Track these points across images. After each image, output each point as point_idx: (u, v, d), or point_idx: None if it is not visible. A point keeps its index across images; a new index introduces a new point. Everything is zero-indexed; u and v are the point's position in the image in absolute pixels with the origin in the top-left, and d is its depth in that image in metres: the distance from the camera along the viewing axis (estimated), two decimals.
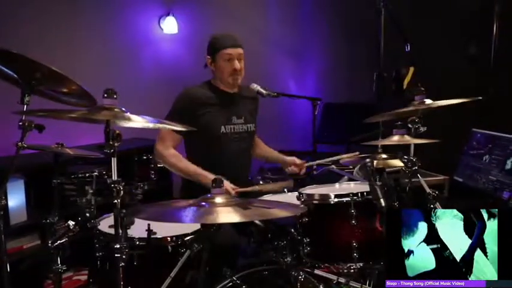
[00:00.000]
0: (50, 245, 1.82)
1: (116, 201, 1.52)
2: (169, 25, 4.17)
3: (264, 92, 2.65)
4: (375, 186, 1.62)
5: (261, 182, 3.44)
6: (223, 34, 2.57)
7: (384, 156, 2.38)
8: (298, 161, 2.73)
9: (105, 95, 1.47)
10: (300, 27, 5.17)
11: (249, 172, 2.81)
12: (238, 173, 2.53)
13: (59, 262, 1.90)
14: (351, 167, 3.33)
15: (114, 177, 1.52)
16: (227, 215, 1.46)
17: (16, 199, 2.82)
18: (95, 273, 1.98)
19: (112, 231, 1.87)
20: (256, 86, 2.66)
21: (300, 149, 4.00)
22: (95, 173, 2.85)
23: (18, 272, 2.66)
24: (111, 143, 1.48)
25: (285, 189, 2.58)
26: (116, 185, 1.52)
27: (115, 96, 1.48)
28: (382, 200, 1.61)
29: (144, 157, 3.60)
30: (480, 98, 1.98)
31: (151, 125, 1.66)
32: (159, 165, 3.24)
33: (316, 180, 2.96)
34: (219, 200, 1.55)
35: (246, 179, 2.67)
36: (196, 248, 1.59)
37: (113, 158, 1.52)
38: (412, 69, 3.86)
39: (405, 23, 3.67)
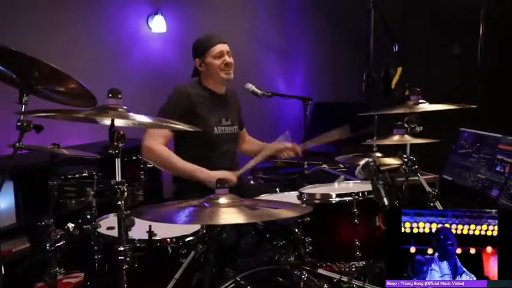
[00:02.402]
0: (48, 248, 1.79)
1: (119, 202, 1.50)
2: (158, 24, 4.13)
3: (259, 92, 2.66)
4: (378, 185, 1.64)
5: (252, 182, 3.45)
6: (206, 35, 2.62)
7: (379, 155, 2.43)
8: (288, 144, 2.69)
9: (110, 95, 1.44)
10: (288, 27, 5.19)
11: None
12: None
13: (55, 265, 1.88)
14: (342, 166, 3.36)
15: (118, 178, 1.50)
16: (232, 216, 1.45)
17: (5, 201, 2.75)
18: (93, 275, 1.95)
19: (111, 233, 1.88)
20: (251, 86, 2.67)
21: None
22: (85, 174, 2.82)
23: (10, 274, 2.60)
24: (115, 143, 1.45)
25: (277, 189, 2.60)
26: (120, 186, 1.49)
27: (119, 96, 1.45)
28: (385, 199, 1.63)
29: (134, 157, 3.57)
30: (474, 106, 2.02)
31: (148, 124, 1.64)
32: (149, 166, 3.22)
33: (308, 179, 2.96)
34: (223, 200, 1.54)
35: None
36: (201, 249, 1.58)
37: (116, 159, 1.49)
38: (400, 69, 3.92)
39: (393, 24, 3.72)
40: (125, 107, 1.54)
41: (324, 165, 3.36)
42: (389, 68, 3.95)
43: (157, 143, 2.43)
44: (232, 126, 2.63)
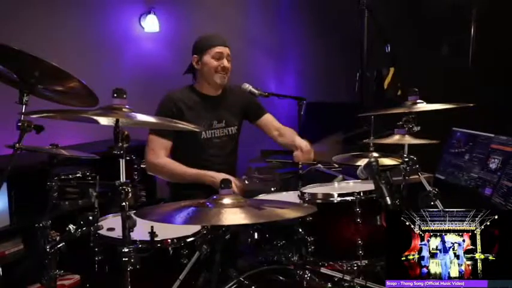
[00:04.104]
0: (48, 250, 1.76)
1: (124, 203, 1.49)
2: (151, 23, 4.11)
3: (256, 92, 2.66)
4: (381, 184, 1.64)
5: (246, 182, 3.44)
6: (210, 34, 2.60)
7: (376, 155, 2.45)
8: (304, 147, 2.50)
9: (115, 95, 1.43)
10: (280, 27, 5.20)
11: (235, 174, 2.79)
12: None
13: (55, 267, 1.85)
14: (336, 165, 3.38)
15: (123, 178, 1.49)
16: (238, 217, 1.44)
17: None
18: (92, 277, 1.93)
19: (111, 234, 1.86)
20: (248, 86, 2.66)
21: (285, 148, 4.01)
22: (79, 175, 2.78)
23: (4, 276, 2.56)
24: (120, 144, 1.44)
25: (272, 189, 2.60)
26: (124, 187, 1.48)
27: (124, 96, 1.44)
28: (388, 198, 1.63)
29: (127, 158, 3.55)
30: (472, 104, 2.06)
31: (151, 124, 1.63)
32: (142, 166, 3.20)
33: (303, 179, 2.97)
34: (227, 201, 1.53)
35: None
36: (206, 250, 1.57)
37: (121, 160, 1.48)
38: (392, 69, 3.96)
39: (386, 24, 3.75)
40: (127, 107, 1.54)
41: (319, 165, 3.37)
42: (381, 68, 3.99)
43: (159, 157, 2.44)
44: (226, 128, 2.61)
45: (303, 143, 2.52)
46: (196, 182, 2.41)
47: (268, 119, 2.80)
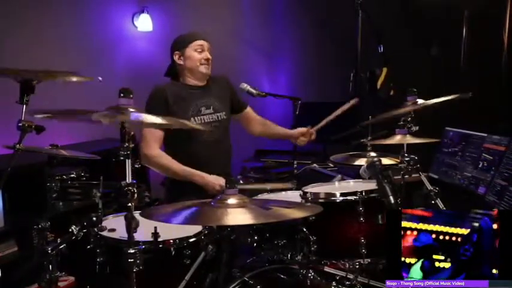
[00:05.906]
0: (49, 251, 1.74)
1: (130, 204, 1.48)
2: (144, 23, 4.08)
3: (254, 91, 2.69)
4: (384, 184, 1.66)
5: (241, 182, 3.44)
6: (189, 31, 2.67)
7: (374, 154, 2.47)
8: (303, 129, 2.79)
9: (121, 95, 1.42)
10: (274, 26, 5.20)
11: (230, 164, 2.79)
12: (215, 163, 2.56)
13: (55, 269, 1.83)
14: (332, 165, 3.40)
15: (128, 179, 1.48)
16: (244, 217, 1.44)
17: None
18: (89, 278, 1.91)
19: (112, 235, 1.85)
20: (246, 86, 2.69)
21: (280, 147, 4.02)
22: (73, 175, 2.76)
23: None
24: (126, 144, 1.44)
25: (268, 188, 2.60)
26: (130, 188, 1.47)
27: (131, 96, 1.43)
28: (391, 197, 1.65)
29: (122, 158, 3.51)
30: (470, 94, 2.08)
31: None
32: (136, 166, 3.17)
33: (298, 179, 2.97)
34: (232, 201, 1.53)
35: (226, 169, 2.66)
36: (211, 250, 1.57)
37: (127, 160, 1.48)
38: (385, 69, 3.99)
39: (379, 25, 3.78)
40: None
41: (315, 165, 3.39)
42: (374, 69, 4.02)
43: (152, 149, 2.48)
44: (215, 113, 2.63)
45: (300, 129, 2.80)
46: (187, 180, 2.44)
47: (250, 112, 2.89)
